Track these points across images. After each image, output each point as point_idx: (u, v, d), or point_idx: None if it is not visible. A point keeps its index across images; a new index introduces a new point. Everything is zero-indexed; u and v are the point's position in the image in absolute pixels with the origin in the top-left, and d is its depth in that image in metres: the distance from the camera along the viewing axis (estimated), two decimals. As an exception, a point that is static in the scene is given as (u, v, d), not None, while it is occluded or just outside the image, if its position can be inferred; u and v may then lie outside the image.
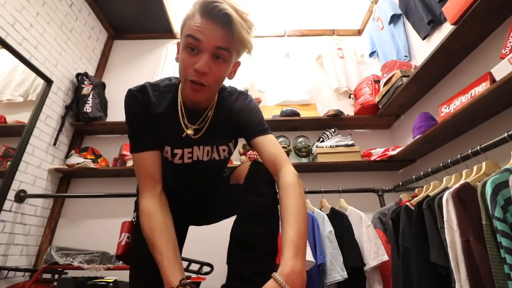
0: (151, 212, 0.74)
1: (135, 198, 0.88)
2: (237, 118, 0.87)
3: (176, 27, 2.87)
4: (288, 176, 0.73)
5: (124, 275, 1.67)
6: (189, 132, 0.82)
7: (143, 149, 0.80)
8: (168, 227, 0.74)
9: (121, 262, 1.64)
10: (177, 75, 0.82)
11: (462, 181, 1.10)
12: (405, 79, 1.83)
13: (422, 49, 1.97)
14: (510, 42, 1.17)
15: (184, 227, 1.01)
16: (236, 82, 2.50)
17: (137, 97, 0.81)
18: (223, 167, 1.04)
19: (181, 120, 0.83)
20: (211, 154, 0.89)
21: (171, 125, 0.83)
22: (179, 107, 0.83)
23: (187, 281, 0.65)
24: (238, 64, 0.84)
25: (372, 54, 2.56)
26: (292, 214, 0.67)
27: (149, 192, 0.77)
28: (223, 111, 0.87)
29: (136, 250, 0.83)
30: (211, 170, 0.97)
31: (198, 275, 1.57)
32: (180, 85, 0.84)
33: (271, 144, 0.81)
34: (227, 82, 0.89)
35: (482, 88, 1.25)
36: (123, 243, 0.91)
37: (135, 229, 0.90)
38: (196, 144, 0.86)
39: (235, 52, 0.74)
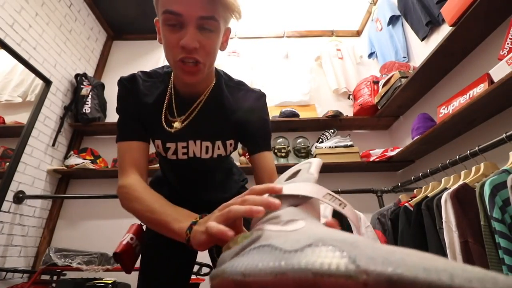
0: (135, 185, 0.66)
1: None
2: (245, 118, 0.78)
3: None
4: None
5: (123, 276, 1.67)
6: (176, 124, 0.74)
7: (130, 138, 0.73)
8: (158, 195, 0.62)
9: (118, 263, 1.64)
10: None
11: (460, 182, 1.10)
12: (403, 80, 1.83)
13: (421, 50, 1.97)
14: (508, 44, 1.17)
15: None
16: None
17: (125, 86, 0.77)
18: (228, 172, 0.95)
19: (168, 110, 0.75)
20: (212, 150, 0.79)
21: (159, 116, 0.75)
22: (167, 95, 0.75)
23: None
24: (228, 31, 0.73)
25: (371, 55, 2.57)
26: None
27: (133, 174, 0.69)
28: (221, 99, 0.77)
29: (146, 258, 0.82)
30: (212, 172, 0.87)
31: (197, 276, 1.56)
32: (173, 73, 0.77)
33: (271, 160, 0.81)
34: (220, 56, 0.82)
35: (480, 89, 1.26)
36: (124, 242, 0.88)
37: (144, 233, 0.89)
38: (191, 137, 0.77)
39: (222, 19, 0.63)
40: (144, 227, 0.93)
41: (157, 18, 0.66)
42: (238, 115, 0.77)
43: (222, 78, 0.80)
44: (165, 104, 0.75)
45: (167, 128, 0.74)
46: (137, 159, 0.71)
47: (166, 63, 0.75)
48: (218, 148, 0.79)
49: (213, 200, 0.82)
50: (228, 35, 0.73)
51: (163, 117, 0.74)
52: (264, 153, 0.80)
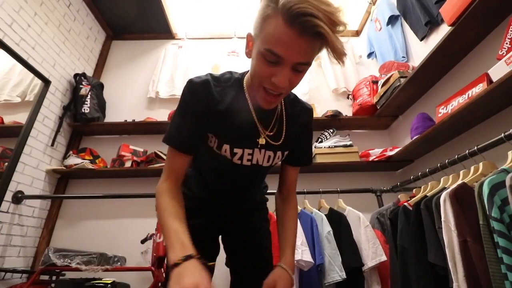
0: (167, 192, 0.73)
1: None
2: (300, 133, 0.87)
3: (175, 27, 2.87)
4: (295, 199, 0.98)
5: (122, 277, 1.67)
6: (261, 140, 0.80)
7: (183, 150, 0.75)
8: (179, 210, 0.71)
9: (119, 263, 1.64)
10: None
11: (459, 182, 1.10)
12: (403, 80, 1.83)
13: (420, 50, 1.97)
14: (507, 43, 1.18)
15: (216, 235, 1.02)
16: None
17: (197, 91, 0.75)
18: (263, 179, 1.04)
19: (256, 123, 0.78)
20: (272, 159, 0.84)
21: (237, 124, 0.77)
22: (251, 107, 0.77)
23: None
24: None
25: (370, 55, 2.57)
26: (294, 226, 0.93)
27: (171, 181, 0.75)
28: (289, 117, 0.84)
29: None
30: (259, 178, 0.97)
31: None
32: (245, 81, 0.79)
33: (297, 174, 0.97)
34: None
35: (479, 89, 1.26)
36: (164, 243, 0.87)
37: None
38: (260, 147, 0.81)
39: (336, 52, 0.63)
40: None
41: (251, 35, 0.68)
42: (296, 129, 0.85)
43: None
44: (253, 116, 0.78)
45: (248, 136, 0.79)
46: (181, 168, 0.77)
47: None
48: (278, 158, 0.86)
49: (240, 202, 0.98)
50: None
51: (243, 125, 0.78)
52: (297, 167, 0.95)
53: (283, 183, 0.97)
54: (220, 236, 1.04)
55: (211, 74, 0.79)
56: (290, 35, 0.55)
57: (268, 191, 1.12)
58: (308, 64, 0.63)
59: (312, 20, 0.52)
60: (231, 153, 0.79)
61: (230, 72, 0.82)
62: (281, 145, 0.83)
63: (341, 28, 0.56)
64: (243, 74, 0.81)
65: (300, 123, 0.86)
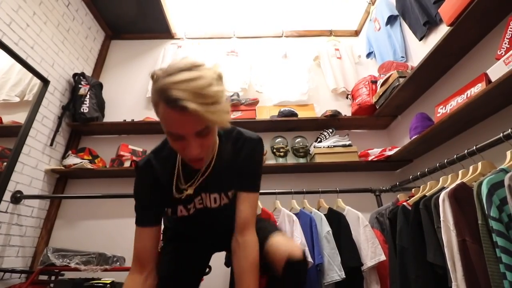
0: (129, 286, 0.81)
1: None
2: (242, 164, 0.88)
3: (174, 27, 2.87)
4: (252, 248, 0.83)
5: (121, 276, 1.66)
6: (189, 192, 0.86)
7: (142, 225, 0.85)
8: None
9: (118, 263, 1.64)
10: None
11: (458, 181, 1.10)
12: (402, 80, 1.84)
13: (419, 50, 1.98)
14: (505, 43, 1.18)
15: (207, 255, 1.09)
16: (234, 82, 2.51)
17: (143, 172, 0.86)
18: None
19: (178, 183, 0.87)
20: (219, 200, 0.91)
21: (172, 188, 0.87)
22: (176, 171, 0.87)
23: None
24: (228, 108, 0.73)
25: (369, 55, 2.57)
26: (253, 284, 0.79)
27: (136, 272, 0.82)
28: (224, 157, 0.88)
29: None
30: (226, 214, 0.92)
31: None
32: None
33: (249, 204, 0.88)
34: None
35: (478, 89, 1.26)
36: None
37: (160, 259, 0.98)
38: (204, 191, 0.89)
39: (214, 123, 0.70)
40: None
41: (154, 105, 0.70)
42: (237, 163, 0.88)
43: (222, 137, 0.89)
44: (175, 177, 0.87)
45: (177, 195, 0.87)
46: (145, 246, 0.84)
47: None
48: (223, 199, 0.91)
49: (223, 231, 0.95)
50: (229, 111, 0.74)
51: (174, 187, 0.86)
52: (243, 193, 0.88)
53: (235, 224, 0.87)
54: (210, 254, 1.12)
55: (152, 152, 0.89)
56: (175, 115, 0.63)
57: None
58: (207, 128, 0.68)
59: (182, 101, 0.60)
60: (186, 209, 0.90)
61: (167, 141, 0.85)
62: (221, 186, 0.89)
63: (210, 100, 0.63)
64: None
65: (243, 153, 0.88)
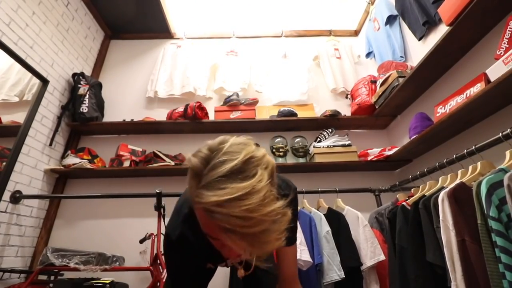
0: None
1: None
2: None
3: (174, 26, 2.87)
4: None
5: (120, 276, 1.67)
6: (241, 271, 0.82)
7: None
8: None
9: (118, 263, 1.64)
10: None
11: (457, 181, 1.11)
12: (401, 80, 1.84)
13: (418, 50, 1.98)
14: (504, 43, 1.18)
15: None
16: (234, 82, 2.51)
17: (177, 248, 0.79)
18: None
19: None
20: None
21: (212, 253, 0.75)
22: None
23: None
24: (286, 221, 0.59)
25: (368, 54, 2.57)
26: None
27: None
28: None
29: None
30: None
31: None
32: None
33: (293, 257, 0.91)
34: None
35: (477, 88, 1.26)
36: None
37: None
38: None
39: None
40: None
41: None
42: None
43: None
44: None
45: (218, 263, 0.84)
46: None
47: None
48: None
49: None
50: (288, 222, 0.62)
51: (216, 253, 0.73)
52: (288, 248, 0.89)
53: (280, 275, 0.90)
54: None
55: (183, 224, 0.77)
56: (215, 230, 0.52)
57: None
58: None
59: (225, 229, 0.49)
60: (215, 266, 0.87)
61: (190, 207, 0.77)
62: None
63: (260, 228, 0.49)
64: None
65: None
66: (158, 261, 1.62)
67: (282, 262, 0.89)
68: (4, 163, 1.71)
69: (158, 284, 1.55)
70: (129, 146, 2.24)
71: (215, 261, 0.84)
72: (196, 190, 0.52)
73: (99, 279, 1.53)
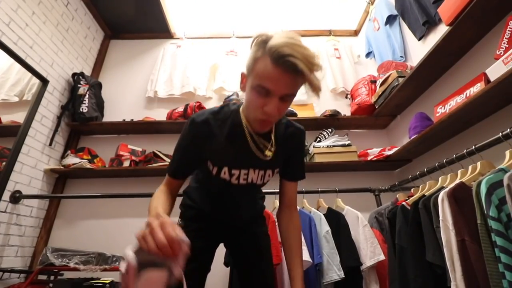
0: (160, 191, 0.89)
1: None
2: (291, 152, 0.98)
3: (174, 26, 2.87)
4: (297, 218, 1.03)
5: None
6: (268, 153, 0.90)
7: (176, 177, 0.92)
8: (164, 199, 0.85)
9: (118, 263, 1.63)
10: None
11: (457, 181, 1.10)
12: (401, 80, 1.84)
13: (418, 50, 1.98)
14: (504, 43, 1.18)
15: (214, 243, 1.09)
16: (233, 82, 2.51)
17: (198, 125, 0.87)
18: (259, 192, 1.15)
19: (252, 145, 0.89)
20: (264, 177, 0.97)
21: (235, 149, 0.88)
22: (247, 133, 0.88)
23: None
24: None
25: (368, 54, 2.57)
26: (300, 252, 0.98)
27: (165, 187, 0.91)
28: (280, 137, 0.94)
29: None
30: (254, 193, 1.09)
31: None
32: (241, 111, 0.90)
33: (295, 190, 1.05)
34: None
35: (477, 88, 1.26)
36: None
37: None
38: (253, 167, 0.93)
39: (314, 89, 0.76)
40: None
41: (245, 73, 0.79)
42: (288, 149, 0.97)
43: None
44: (249, 141, 0.88)
45: (246, 157, 0.90)
46: (174, 187, 0.93)
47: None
48: (269, 176, 0.97)
49: (240, 213, 1.06)
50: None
51: (242, 149, 0.88)
52: (292, 182, 1.03)
53: (282, 201, 1.05)
54: (218, 246, 1.12)
55: (210, 112, 0.90)
56: (276, 72, 0.68)
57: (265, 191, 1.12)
58: (293, 95, 0.75)
59: (293, 60, 0.65)
60: (229, 174, 0.91)
61: (228, 105, 0.93)
62: (271, 164, 0.95)
63: (317, 69, 0.70)
64: (239, 105, 0.92)
65: (294, 142, 0.98)
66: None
67: (284, 191, 1.03)
68: (4, 163, 1.71)
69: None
70: (129, 146, 2.24)
71: (227, 159, 0.90)
72: (267, 43, 0.69)
73: (99, 279, 1.53)
